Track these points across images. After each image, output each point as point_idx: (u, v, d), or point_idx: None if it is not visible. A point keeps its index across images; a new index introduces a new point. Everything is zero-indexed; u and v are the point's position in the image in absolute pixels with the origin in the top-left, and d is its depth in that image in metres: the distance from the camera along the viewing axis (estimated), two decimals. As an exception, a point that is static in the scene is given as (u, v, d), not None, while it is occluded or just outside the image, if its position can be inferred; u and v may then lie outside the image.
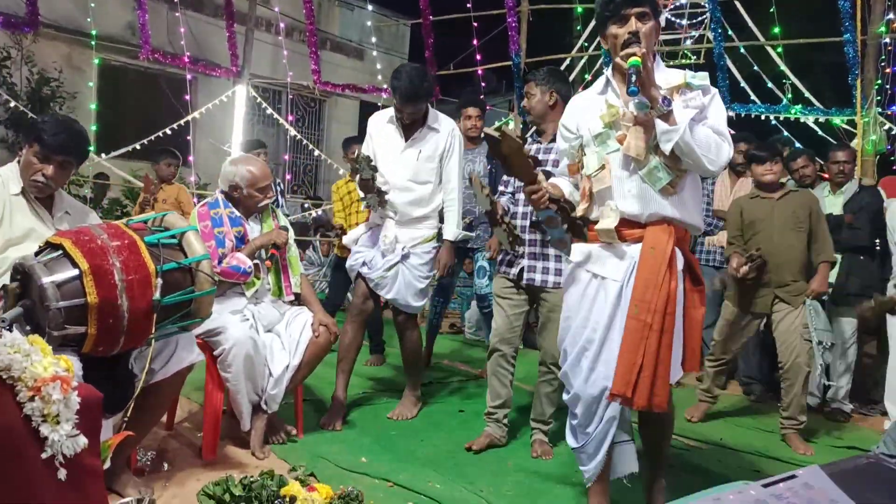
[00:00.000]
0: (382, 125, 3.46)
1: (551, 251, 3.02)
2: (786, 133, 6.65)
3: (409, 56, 12.28)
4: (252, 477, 2.20)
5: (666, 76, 2.15)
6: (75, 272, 1.88)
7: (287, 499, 2.09)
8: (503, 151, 2.20)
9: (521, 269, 3.08)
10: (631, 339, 2.04)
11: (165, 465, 2.65)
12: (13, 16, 7.14)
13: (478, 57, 8.24)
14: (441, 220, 3.47)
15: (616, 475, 2.32)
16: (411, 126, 3.38)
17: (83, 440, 1.18)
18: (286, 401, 3.01)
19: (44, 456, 1.14)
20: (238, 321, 2.85)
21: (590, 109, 2.24)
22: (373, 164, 3.25)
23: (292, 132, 8.80)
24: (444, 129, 3.43)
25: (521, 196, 3.09)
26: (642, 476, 2.39)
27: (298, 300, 3.20)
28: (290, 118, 9.06)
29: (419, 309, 3.56)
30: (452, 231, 3.43)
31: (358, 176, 3.27)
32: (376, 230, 3.46)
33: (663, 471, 2.43)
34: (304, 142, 9.07)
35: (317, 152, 9.44)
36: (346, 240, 3.72)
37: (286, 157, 9.67)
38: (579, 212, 2.22)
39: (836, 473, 0.77)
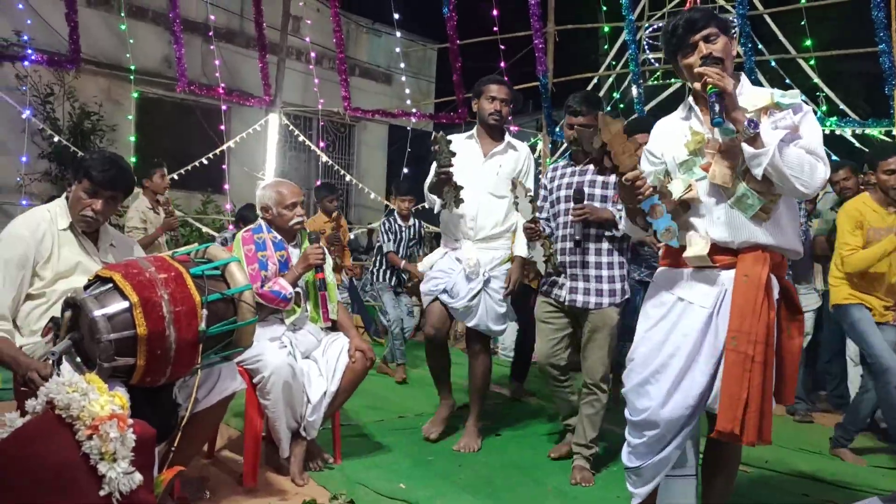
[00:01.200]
0: (462, 142, 3.46)
1: (592, 272, 3.05)
2: (821, 146, 6.54)
3: (436, 80, 12.41)
4: (294, 505, 2.21)
5: (752, 97, 2.06)
6: (125, 304, 1.93)
7: (329, 527, 2.10)
8: (602, 139, 2.13)
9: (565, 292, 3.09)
10: (733, 373, 1.96)
11: (207, 494, 2.68)
12: (56, 53, 7.42)
13: (505, 79, 8.30)
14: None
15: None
16: (491, 142, 3.44)
17: (139, 477, 1.22)
18: (324, 427, 3.03)
19: (101, 493, 1.17)
20: (276, 348, 2.88)
21: (674, 135, 2.17)
22: (451, 147, 3.18)
23: (324, 158, 8.93)
24: (522, 150, 3.51)
25: (562, 220, 3.13)
26: None
27: (334, 326, 3.23)
28: (321, 144, 9.21)
29: (500, 333, 3.57)
30: (524, 247, 3.34)
31: (434, 164, 3.24)
32: (450, 254, 3.47)
33: None
34: (336, 167, 9.20)
35: (348, 177, 9.57)
36: (421, 266, 3.67)
37: (318, 182, 9.80)
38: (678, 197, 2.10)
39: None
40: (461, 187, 3.25)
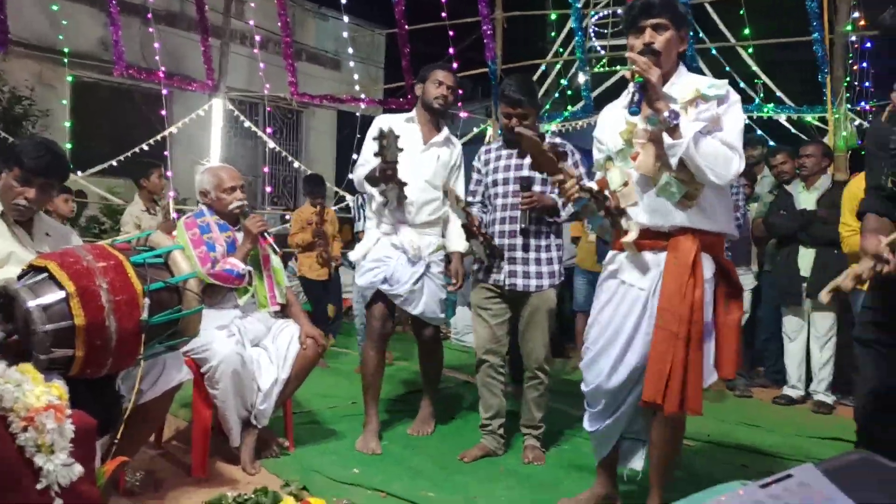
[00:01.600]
0: (399, 124, 3.25)
1: (532, 255, 3.07)
2: (759, 131, 6.77)
3: (384, 65, 12.30)
4: (246, 494, 2.18)
5: (683, 87, 2.15)
6: (62, 294, 1.86)
7: (282, 515, 2.08)
8: (524, 149, 2.30)
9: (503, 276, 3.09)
10: (659, 349, 2.12)
11: (155, 486, 2.62)
12: (-18, 35, 7.03)
13: (454, 65, 8.28)
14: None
15: (621, 465, 2.52)
16: (431, 130, 3.37)
17: (79, 468, 1.17)
18: (275, 415, 3.00)
19: (39, 486, 1.13)
20: (224, 337, 2.83)
21: (614, 123, 2.28)
22: (398, 139, 3.02)
23: (271, 144, 8.76)
24: (457, 147, 3.47)
25: (500, 202, 3.12)
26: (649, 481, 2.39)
27: (283, 312, 3.19)
28: (268, 130, 9.02)
29: (444, 320, 3.56)
30: (461, 242, 3.32)
31: (380, 159, 3.01)
32: (384, 240, 3.28)
33: (664, 480, 2.34)
34: (283, 154, 9.03)
35: (296, 164, 9.41)
36: (353, 255, 3.49)
37: (265, 169, 9.60)
38: (613, 203, 2.22)
39: (831, 471, 0.79)
40: (405, 184, 3.12)
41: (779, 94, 7.18)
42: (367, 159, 3.20)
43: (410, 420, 3.59)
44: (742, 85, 7.12)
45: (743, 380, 4.61)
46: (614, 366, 2.27)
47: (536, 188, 3.04)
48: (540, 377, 3.12)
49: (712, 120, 2.08)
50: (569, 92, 8.71)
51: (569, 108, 8.18)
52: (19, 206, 2.30)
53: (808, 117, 6.32)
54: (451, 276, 3.37)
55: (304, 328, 3.06)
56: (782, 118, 6.58)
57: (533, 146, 2.26)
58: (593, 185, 2.28)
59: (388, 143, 3.00)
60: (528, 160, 3.04)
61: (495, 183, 3.16)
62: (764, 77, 7.31)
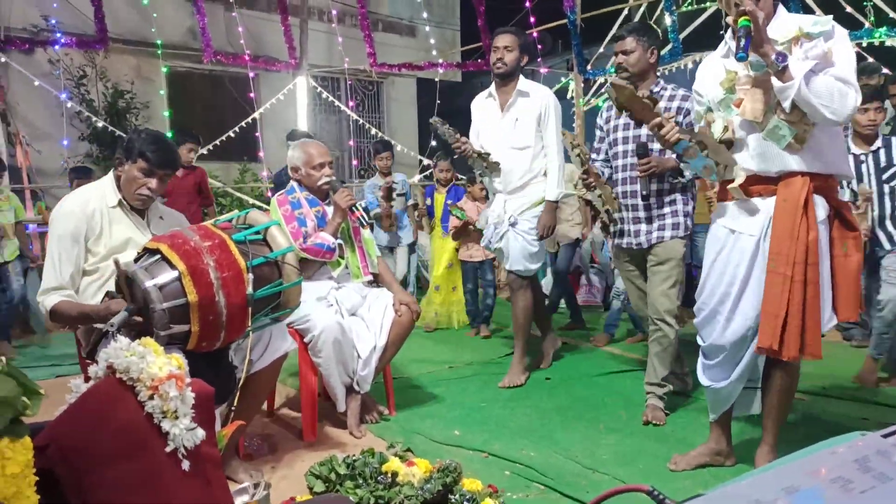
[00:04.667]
0: (482, 102, 3.60)
1: (654, 213, 3.03)
2: (871, 60, 6.19)
3: (460, 27, 12.14)
4: (354, 456, 2.28)
5: (785, 27, 2.08)
6: (174, 274, 1.99)
7: (389, 474, 2.16)
8: (621, 101, 2.33)
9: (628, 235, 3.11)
10: (772, 293, 2.10)
11: (270, 450, 2.79)
12: (85, 35, 7.50)
13: (532, 19, 8.06)
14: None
15: (736, 412, 2.47)
16: (505, 95, 3.48)
17: (201, 432, 1.27)
18: (376, 381, 3.10)
19: (167, 449, 1.23)
20: (324, 308, 2.94)
21: (713, 74, 2.26)
22: (446, 124, 3.35)
23: (354, 117, 8.90)
24: (538, 95, 3.49)
25: (620, 162, 3.10)
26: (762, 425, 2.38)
27: (377, 283, 3.27)
28: (350, 104, 9.17)
29: (535, 271, 3.65)
30: (553, 191, 3.46)
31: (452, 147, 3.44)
32: (491, 208, 3.65)
33: (777, 428, 2.34)
34: (367, 125, 9.17)
35: (379, 135, 9.53)
36: (478, 223, 3.99)
37: (351, 142, 9.80)
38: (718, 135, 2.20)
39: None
40: (487, 154, 3.36)
41: (892, 15, 6.53)
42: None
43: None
44: (849, 9, 6.52)
45: (859, 330, 4.33)
46: (729, 317, 2.25)
47: (657, 146, 2.93)
48: (663, 329, 3.01)
49: (822, 57, 2.00)
50: (653, 35, 8.27)
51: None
52: (143, 195, 2.47)
53: (928, 39, 5.71)
54: (537, 225, 3.46)
55: (397, 296, 3.13)
56: (897, 43, 5.99)
57: (625, 94, 2.29)
58: (695, 127, 2.26)
59: (442, 133, 3.29)
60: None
61: (615, 142, 3.13)
62: (874, -2, 6.65)
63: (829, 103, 1.96)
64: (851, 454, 0.88)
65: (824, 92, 1.95)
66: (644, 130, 2.94)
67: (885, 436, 0.93)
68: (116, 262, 2.07)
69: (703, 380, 2.43)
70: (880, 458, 0.87)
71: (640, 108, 2.31)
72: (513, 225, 3.50)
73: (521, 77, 3.51)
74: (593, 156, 3.23)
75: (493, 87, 3.54)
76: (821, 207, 2.12)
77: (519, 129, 3.42)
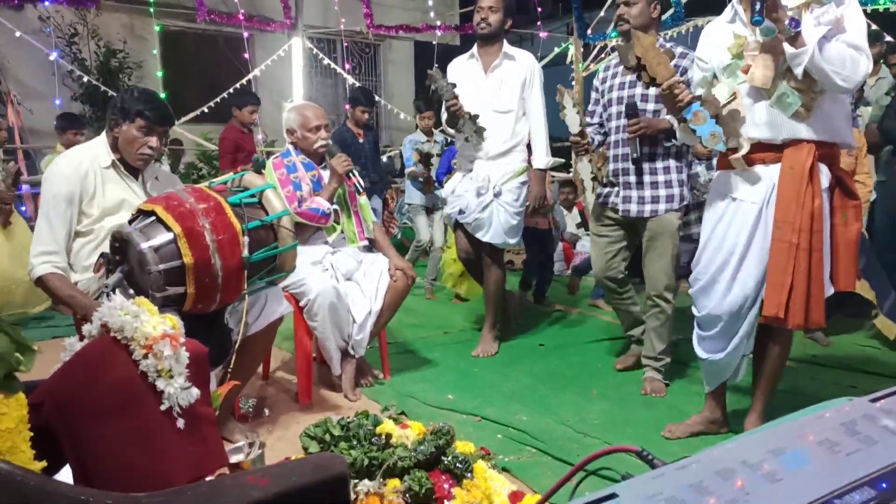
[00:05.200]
0: (462, 62, 3.50)
1: (647, 179, 2.95)
2: (874, 26, 6.12)
3: (460, -12, 11.91)
4: (349, 417, 2.31)
5: None
6: (170, 236, 1.98)
7: (383, 436, 2.19)
8: (637, 52, 2.22)
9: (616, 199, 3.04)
10: (778, 261, 2.07)
11: (266, 411, 2.82)
12: (76, -9, 7.35)
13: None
14: (529, 153, 3.48)
15: (731, 381, 2.48)
16: (489, 57, 3.39)
17: (196, 391, 1.28)
18: (371, 345, 3.13)
19: (162, 408, 1.24)
20: (319, 272, 2.95)
21: (719, 39, 2.22)
22: (445, 78, 3.25)
23: (350, 80, 8.79)
24: (523, 60, 3.41)
25: (613, 124, 3.02)
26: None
27: (372, 248, 3.27)
28: (346, 66, 9.04)
29: (514, 245, 3.64)
30: (543, 159, 3.43)
31: (444, 103, 3.30)
32: (467, 177, 3.49)
33: (768, 396, 2.38)
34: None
35: (376, 98, 9.41)
36: (443, 192, 3.77)
37: (347, 106, 9.69)
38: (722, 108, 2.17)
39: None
40: (476, 115, 3.27)
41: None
42: (444, 114, 3.42)
43: (504, 349, 3.66)
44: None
45: (821, 334, 4.35)
46: (728, 286, 2.24)
47: (650, 107, 2.90)
48: (660, 305, 2.99)
49: (834, 23, 1.97)
50: None
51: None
52: (145, 154, 2.45)
53: (933, 8, 5.64)
54: (528, 195, 3.42)
55: (392, 261, 3.13)
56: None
57: (645, 43, 2.19)
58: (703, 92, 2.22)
59: (437, 85, 3.19)
60: (640, 88, 2.90)
61: (609, 103, 3.05)
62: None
63: (840, 70, 1.94)
64: (838, 418, 0.90)
65: (837, 59, 1.94)
66: (638, 90, 2.90)
67: (873, 400, 0.94)
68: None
69: (700, 352, 2.42)
70: (867, 421, 0.88)
71: (657, 62, 2.21)
72: (496, 195, 3.40)
73: (505, 41, 3.44)
74: (587, 119, 3.17)
75: (475, 49, 3.44)
76: (824, 175, 2.11)
77: (503, 91, 3.34)
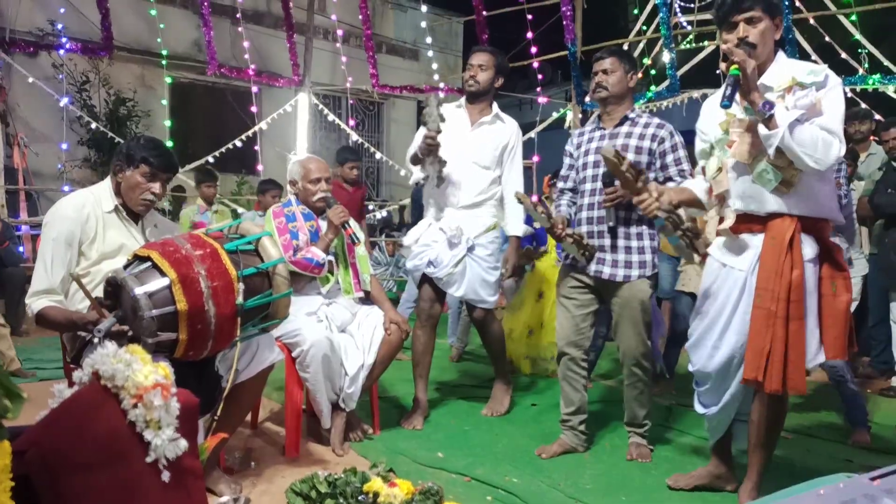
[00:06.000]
0: (451, 109, 3.43)
1: (621, 243, 2.89)
2: (863, 105, 6.31)
3: (463, 53, 12.30)
4: (336, 474, 2.26)
5: (781, 74, 2.16)
6: (165, 281, 1.98)
7: (370, 495, 2.14)
8: (608, 168, 2.48)
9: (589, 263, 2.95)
10: (756, 327, 2.16)
11: (252, 464, 2.76)
12: (90, 41, 7.56)
13: (533, 49, 8.18)
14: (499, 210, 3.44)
15: (736, 448, 2.57)
16: (478, 112, 3.39)
17: (184, 443, 1.25)
18: (362, 399, 3.08)
19: (148, 460, 1.21)
20: (314, 322, 2.93)
21: (714, 114, 2.34)
22: (441, 105, 3.13)
23: (354, 136, 8.96)
24: (510, 124, 3.44)
25: (588, 186, 2.98)
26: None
27: (368, 299, 3.27)
28: (350, 123, 9.23)
29: (493, 304, 3.48)
30: (518, 227, 3.42)
31: (423, 127, 3.16)
32: (434, 225, 3.38)
33: (763, 466, 2.35)
34: (366, 145, 9.22)
35: (378, 155, 9.58)
36: (405, 240, 3.57)
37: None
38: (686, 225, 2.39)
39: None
40: (445, 162, 3.19)
41: (886, 63, 6.66)
42: (415, 142, 3.32)
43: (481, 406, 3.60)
44: (844, 55, 6.65)
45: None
46: (716, 345, 2.34)
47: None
48: (638, 374, 2.92)
49: (810, 107, 2.07)
50: (652, 71, 8.40)
51: (652, 87, 7.90)
52: (147, 200, 2.48)
53: (920, 87, 5.83)
54: (503, 264, 3.34)
55: (387, 314, 3.12)
56: (890, 90, 6.10)
57: (611, 164, 2.41)
58: (678, 210, 2.39)
59: (430, 112, 3.09)
60: (620, 140, 2.94)
61: (585, 166, 3.01)
62: (869, 46, 6.80)
63: (812, 152, 2.02)
64: (838, 496, 0.88)
65: (808, 141, 2.02)
66: (618, 144, 2.91)
67: (873, 479, 0.93)
68: (75, 277, 2.06)
69: (697, 406, 2.53)
70: (867, 501, 0.87)
71: (623, 179, 2.43)
72: (470, 249, 3.29)
73: (496, 104, 3.45)
74: (559, 184, 3.14)
75: (463, 100, 3.44)
76: (808, 246, 2.18)
77: (485, 149, 3.33)
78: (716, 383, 2.39)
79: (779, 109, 2.05)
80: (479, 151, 3.34)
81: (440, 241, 3.32)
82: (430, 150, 3.16)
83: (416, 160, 3.33)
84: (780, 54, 2.25)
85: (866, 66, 6.69)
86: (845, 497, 0.83)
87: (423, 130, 3.22)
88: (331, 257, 3.07)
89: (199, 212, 5.92)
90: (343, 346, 3.00)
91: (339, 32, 9.08)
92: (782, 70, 2.17)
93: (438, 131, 3.13)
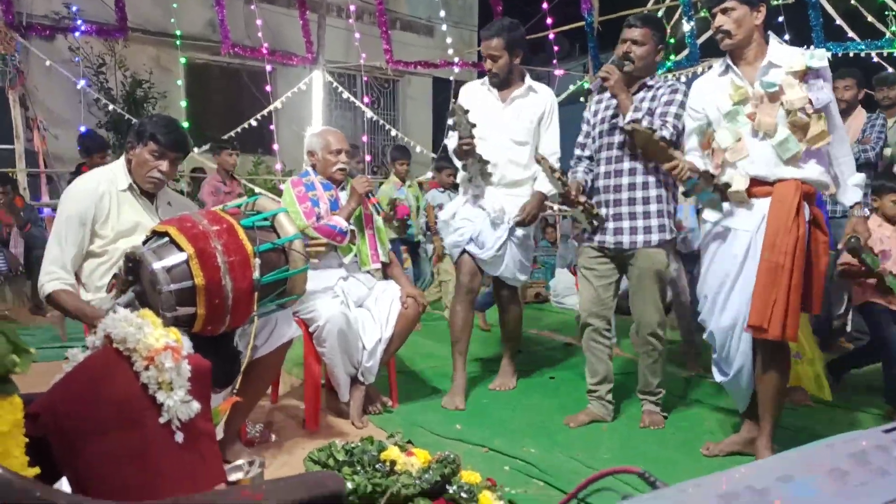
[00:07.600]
0: (477, 88, 3.35)
1: (639, 209, 2.88)
2: (890, 69, 6.13)
3: (478, 28, 12.15)
4: (354, 443, 2.28)
5: (787, 56, 2.36)
6: (182, 256, 2.00)
7: (387, 463, 2.16)
8: (637, 143, 2.64)
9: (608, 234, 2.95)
10: (765, 279, 2.31)
11: (273, 436, 2.80)
12: (105, 24, 7.58)
13: (549, 21, 8.06)
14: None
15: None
16: (507, 87, 3.28)
17: (196, 405, 1.26)
18: (380, 373, 3.11)
19: (161, 421, 1.23)
20: (329, 298, 2.95)
21: (716, 90, 2.50)
22: (469, 116, 3.04)
23: (369, 114, 8.93)
24: (544, 93, 3.34)
25: (605, 154, 2.97)
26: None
27: (385, 275, 3.27)
28: (365, 100, 9.19)
29: (525, 282, 3.51)
30: (547, 186, 3.22)
31: (455, 136, 3.11)
32: (472, 201, 3.31)
33: (774, 421, 2.50)
34: (381, 122, 9.19)
35: (394, 132, 9.54)
36: (442, 214, 3.52)
37: (364, 138, 9.83)
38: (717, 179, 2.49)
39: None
40: (487, 161, 3.16)
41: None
42: (450, 146, 3.31)
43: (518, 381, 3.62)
44: (870, 18, 6.45)
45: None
46: (723, 306, 2.48)
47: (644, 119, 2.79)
48: (653, 343, 2.92)
49: (824, 103, 2.34)
50: (671, 40, 8.23)
51: (671, 57, 7.73)
52: (155, 178, 2.49)
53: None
54: (520, 210, 3.21)
55: (404, 288, 3.13)
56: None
57: (643, 138, 2.56)
58: (700, 165, 2.52)
59: (458, 120, 3.03)
60: (637, 105, 2.90)
61: (601, 134, 2.97)
62: (896, 7, 6.59)
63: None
64: (849, 447, 0.87)
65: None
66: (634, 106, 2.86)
67: (886, 431, 0.92)
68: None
69: (716, 374, 2.63)
70: (879, 452, 0.86)
71: (655, 151, 2.55)
72: (511, 231, 3.25)
73: (526, 72, 3.37)
74: (576, 151, 3.10)
75: (487, 80, 3.33)
76: (806, 212, 2.36)
77: (520, 123, 3.24)
78: (726, 344, 2.50)
79: (794, 91, 2.30)
80: (513, 127, 3.25)
81: (480, 219, 3.26)
82: (467, 154, 3.13)
83: (457, 156, 3.26)
84: (773, 38, 2.43)
85: (893, 29, 6.49)
86: (857, 449, 0.81)
87: (454, 135, 3.17)
88: (352, 227, 3.07)
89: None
90: (360, 321, 3.02)
91: (352, 9, 9.00)
92: (786, 52, 2.37)
93: (472, 136, 3.07)
